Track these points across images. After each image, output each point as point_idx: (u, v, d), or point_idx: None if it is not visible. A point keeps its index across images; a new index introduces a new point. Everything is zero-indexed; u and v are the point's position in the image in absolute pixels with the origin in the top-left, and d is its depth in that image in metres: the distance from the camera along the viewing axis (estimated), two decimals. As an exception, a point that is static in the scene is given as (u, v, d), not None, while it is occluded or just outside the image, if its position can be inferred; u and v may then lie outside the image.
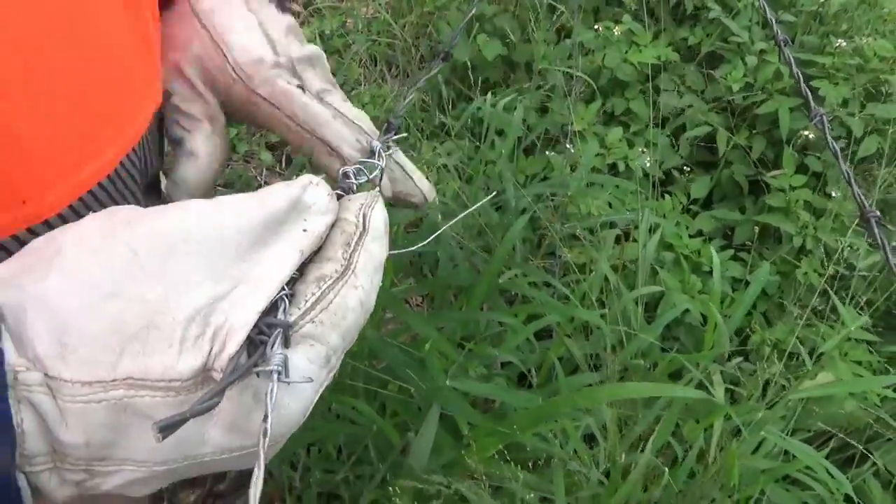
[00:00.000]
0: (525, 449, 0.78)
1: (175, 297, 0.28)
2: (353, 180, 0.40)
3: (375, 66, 2.11)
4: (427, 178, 0.47)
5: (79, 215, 0.36)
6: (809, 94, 0.57)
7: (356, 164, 0.42)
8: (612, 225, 1.29)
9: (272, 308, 0.29)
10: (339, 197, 0.36)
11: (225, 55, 0.44)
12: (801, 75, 0.57)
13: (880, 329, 1.29)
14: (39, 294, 0.27)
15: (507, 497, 0.69)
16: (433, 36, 2.10)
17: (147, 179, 0.45)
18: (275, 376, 0.27)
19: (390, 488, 0.77)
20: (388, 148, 0.46)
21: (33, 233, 0.34)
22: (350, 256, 0.32)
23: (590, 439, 0.98)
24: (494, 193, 1.22)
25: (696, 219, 1.59)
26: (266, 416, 0.27)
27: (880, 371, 1.23)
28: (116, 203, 0.40)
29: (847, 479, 0.95)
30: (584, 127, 1.55)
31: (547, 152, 1.52)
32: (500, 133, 1.45)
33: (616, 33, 1.63)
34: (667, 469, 0.70)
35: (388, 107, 1.94)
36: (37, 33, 0.32)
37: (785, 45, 0.60)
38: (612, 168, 1.56)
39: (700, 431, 0.88)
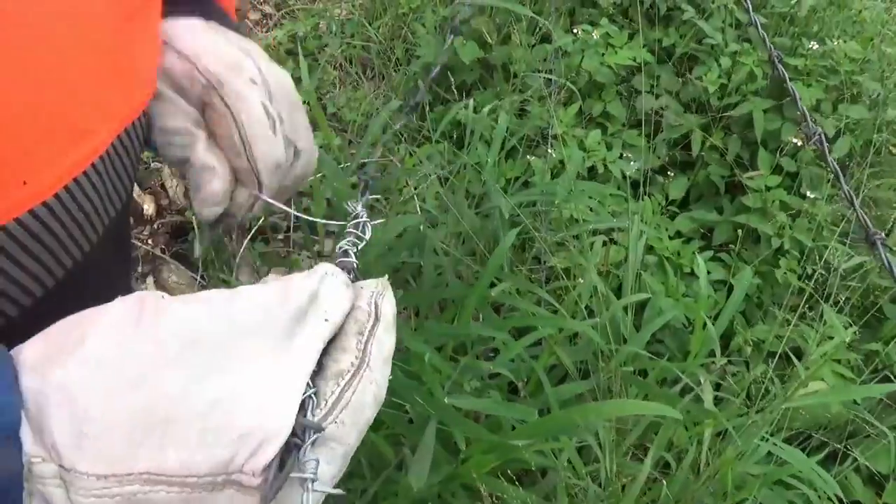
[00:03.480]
0: (521, 462, 0.77)
1: (196, 388, 0.27)
2: (353, 259, 0.40)
3: (351, 67, 2.08)
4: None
5: (74, 198, 0.36)
6: (806, 111, 0.57)
7: (348, 237, 0.42)
8: (595, 231, 1.30)
9: (300, 407, 0.29)
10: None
11: (194, 63, 0.43)
12: (795, 91, 0.58)
13: (858, 327, 1.32)
14: (62, 383, 0.26)
15: (508, 515, 0.69)
16: (408, 38, 2.09)
17: (138, 164, 0.44)
18: (310, 485, 0.27)
19: (387, 501, 0.76)
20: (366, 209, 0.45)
21: (35, 215, 0.34)
22: (364, 347, 0.32)
23: (581, 448, 0.98)
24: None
25: (674, 220, 1.61)
26: None
27: (858, 368, 1.26)
28: (111, 182, 0.39)
29: (831, 476, 0.97)
30: (564, 130, 1.55)
31: (528, 157, 1.52)
32: (481, 138, 1.45)
33: (594, 36, 1.63)
34: (665, 483, 0.71)
35: (364, 110, 1.92)
36: (30, 18, 0.32)
37: (780, 62, 0.60)
38: (592, 170, 1.57)
39: (693, 438, 0.89)
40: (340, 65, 2.09)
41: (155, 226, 1.82)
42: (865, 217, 0.50)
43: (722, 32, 1.70)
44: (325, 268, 0.33)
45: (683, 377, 0.89)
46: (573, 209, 1.27)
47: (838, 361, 1.22)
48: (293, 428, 0.28)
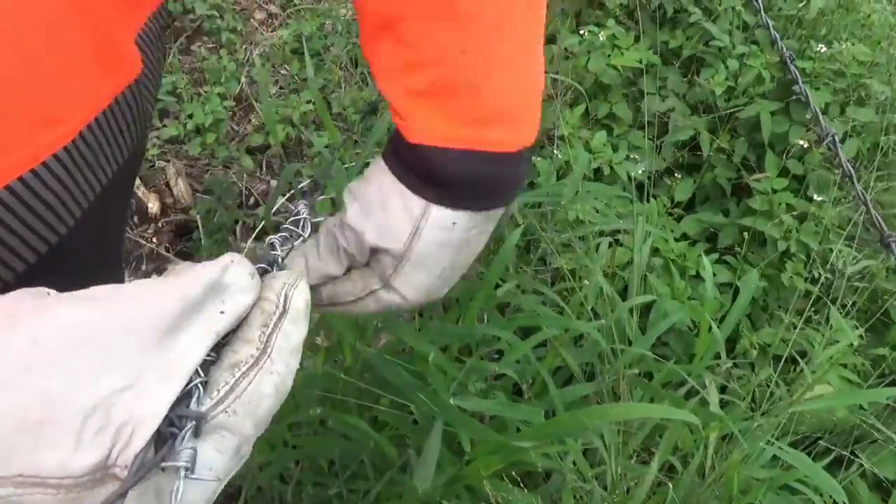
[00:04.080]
0: (526, 465, 0.77)
1: (75, 389, 0.26)
2: (279, 251, 0.39)
3: (356, 68, 2.08)
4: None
5: (40, 181, 0.36)
6: (819, 112, 0.56)
7: (282, 232, 0.41)
8: (601, 232, 1.29)
9: (185, 396, 0.28)
10: (264, 271, 0.36)
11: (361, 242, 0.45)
12: (807, 92, 0.57)
13: (865, 332, 1.31)
14: None
15: (512, 517, 0.68)
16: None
17: (124, 156, 0.44)
18: (182, 472, 0.26)
19: (391, 502, 0.76)
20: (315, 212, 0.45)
21: (25, 183, 0.34)
22: (267, 339, 0.31)
23: (586, 450, 0.98)
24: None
25: (680, 222, 1.60)
26: None
27: (865, 373, 1.25)
28: (80, 171, 0.39)
29: (837, 481, 0.96)
30: (570, 131, 1.55)
31: (533, 157, 1.51)
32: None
33: (601, 38, 1.63)
34: (671, 486, 0.70)
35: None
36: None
37: (792, 62, 0.59)
38: (597, 172, 1.57)
39: (699, 441, 0.89)
40: (346, 65, 2.09)
41: (159, 224, 1.82)
42: (880, 218, 0.49)
43: (729, 35, 1.70)
44: (230, 257, 0.32)
45: (689, 380, 0.89)
46: (579, 210, 1.27)
47: (844, 366, 1.21)
48: (172, 418, 0.27)
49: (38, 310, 0.28)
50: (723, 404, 1.10)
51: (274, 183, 1.94)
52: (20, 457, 0.25)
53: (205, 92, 2.07)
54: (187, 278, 0.30)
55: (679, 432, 0.78)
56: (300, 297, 0.33)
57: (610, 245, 1.31)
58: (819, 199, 1.44)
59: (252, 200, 1.88)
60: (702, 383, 0.99)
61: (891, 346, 1.26)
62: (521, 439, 0.66)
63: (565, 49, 1.65)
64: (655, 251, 1.42)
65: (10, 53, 0.33)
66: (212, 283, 0.30)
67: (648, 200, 1.52)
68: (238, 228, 1.80)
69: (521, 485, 0.77)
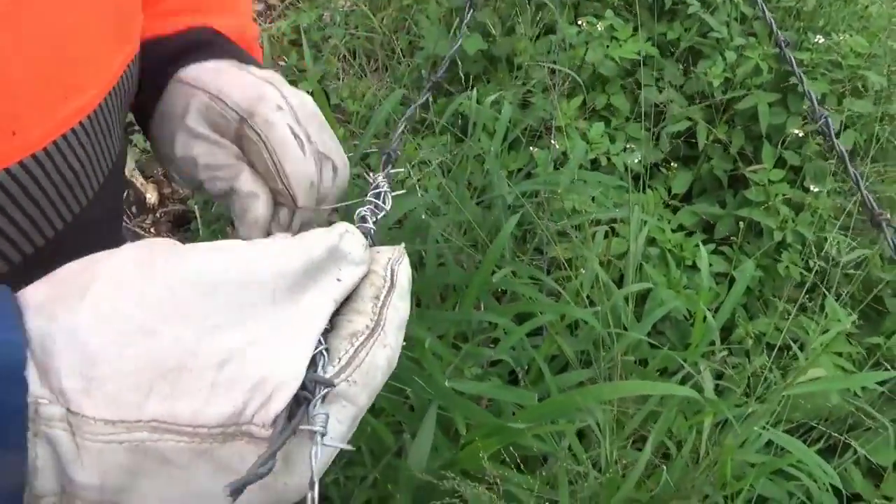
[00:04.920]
0: (522, 448, 0.78)
1: (209, 339, 0.27)
2: (371, 225, 0.40)
3: (354, 59, 2.08)
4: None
5: (62, 153, 0.37)
6: (813, 96, 0.57)
7: (368, 204, 0.42)
8: (597, 221, 1.30)
9: (311, 361, 0.29)
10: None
11: (224, 101, 0.45)
12: (801, 74, 0.57)
13: (859, 321, 1.32)
14: (70, 325, 0.26)
15: (508, 499, 0.69)
16: (412, 29, 2.08)
17: (124, 126, 0.46)
18: (318, 438, 0.27)
19: (388, 486, 0.77)
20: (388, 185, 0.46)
21: (25, 168, 0.35)
22: (379, 312, 0.32)
23: (581, 436, 0.98)
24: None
25: (677, 213, 1.61)
26: (312, 482, 0.26)
27: (860, 361, 1.26)
28: (99, 142, 0.40)
29: (831, 467, 0.97)
30: (567, 122, 1.55)
31: (531, 148, 1.52)
32: (484, 129, 1.45)
33: (599, 29, 1.63)
34: (665, 468, 0.71)
35: (368, 102, 1.91)
36: None
37: (786, 46, 0.60)
38: (594, 163, 1.57)
39: (691, 427, 0.89)
40: (344, 56, 2.09)
41: (157, 214, 1.83)
42: (871, 198, 0.50)
43: (727, 26, 1.70)
44: (344, 226, 0.33)
45: (685, 365, 0.90)
46: (576, 200, 1.27)
47: (840, 355, 1.22)
48: (304, 382, 0.28)
49: (171, 257, 0.28)
50: (718, 392, 1.11)
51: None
52: (157, 402, 0.26)
53: (203, 83, 2.07)
54: (309, 240, 0.31)
55: (673, 416, 0.79)
56: (404, 273, 0.34)
57: (606, 235, 1.31)
58: (815, 189, 1.45)
59: (250, 191, 1.88)
60: (697, 370, 1.00)
61: (885, 334, 1.27)
62: (516, 421, 0.67)
63: (563, 40, 1.65)
64: (652, 241, 1.42)
65: (55, 21, 0.35)
66: (331, 247, 0.31)
67: (645, 191, 1.52)
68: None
69: (518, 469, 0.77)
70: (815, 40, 1.52)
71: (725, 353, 1.19)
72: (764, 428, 0.91)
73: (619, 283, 1.25)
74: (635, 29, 1.72)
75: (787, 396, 0.90)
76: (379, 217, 0.42)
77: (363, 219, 0.40)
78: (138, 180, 1.86)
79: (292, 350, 0.28)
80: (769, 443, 1.00)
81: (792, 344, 1.05)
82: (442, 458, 0.79)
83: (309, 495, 0.27)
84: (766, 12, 0.63)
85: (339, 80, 2.05)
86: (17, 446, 0.25)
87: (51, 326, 0.26)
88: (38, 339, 0.25)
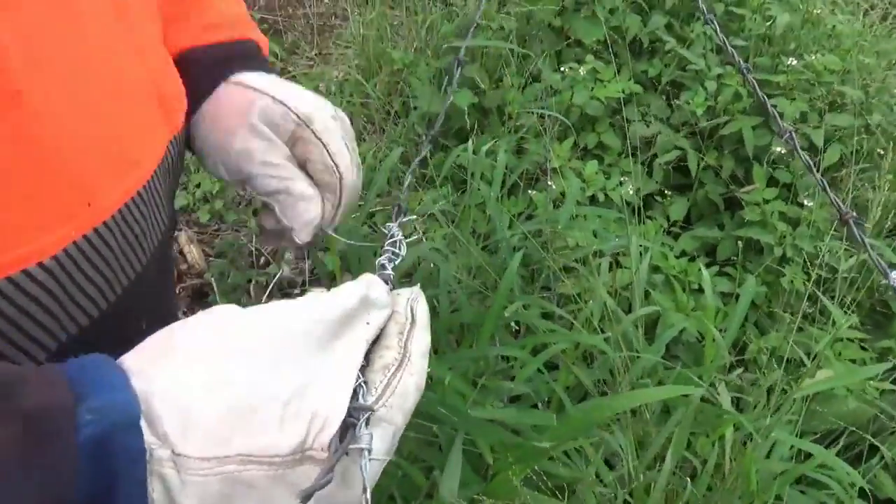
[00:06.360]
0: (550, 476, 0.80)
1: (274, 383, 0.33)
2: (390, 271, 0.47)
3: (352, 125, 2.16)
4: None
5: (125, 220, 0.42)
6: (776, 113, 0.62)
7: (386, 252, 0.49)
8: (600, 254, 1.34)
9: (352, 393, 0.35)
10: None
11: (286, 105, 0.52)
12: (765, 98, 0.63)
13: (868, 327, 1.34)
14: (166, 382, 0.32)
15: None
16: (405, 91, 2.18)
17: (173, 193, 0.52)
18: (366, 454, 0.33)
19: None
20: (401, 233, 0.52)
21: (99, 234, 0.40)
22: (405, 345, 0.38)
23: (609, 465, 1.00)
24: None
25: (678, 240, 1.65)
26: (365, 488, 0.33)
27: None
28: (153, 207, 0.46)
29: (859, 473, 0.97)
30: (561, 163, 1.61)
31: (529, 191, 1.57)
32: (482, 177, 1.51)
33: (581, 72, 1.71)
34: (689, 480, 0.73)
35: (369, 164, 1.99)
36: (77, 66, 0.38)
37: (748, 73, 0.65)
38: (592, 199, 1.62)
39: (712, 444, 0.91)
40: (342, 122, 2.17)
41: (177, 290, 1.88)
42: (838, 200, 0.54)
43: (704, 58, 1.77)
44: (369, 277, 0.39)
45: (700, 382, 0.92)
46: (578, 237, 1.32)
47: (853, 361, 1.24)
48: (350, 410, 0.34)
49: (238, 319, 0.35)
50: (739, 410, 1.13)
51: (282, 241, 2.01)
52: (240, 439, 0.31)
53: (210, 161, 2.15)
54: (343, 294, 0.38)
55: (690, 419, 0.81)
56: (422, 310, 0.41)
57: (611, 267, 1.35)
58: (809, 204, 1.49)
59: (263, 260, 1.94)
60: (714, 388, 1.02)
61: (895, 337, 1.28)
62: (540, 442, 0.69)
63: (549, 87, 1.73)
64: (657, 269, 1.46)
65: (112, 109, 0.41)
66: (363, 297, 0.38)
67: (643, 221, 1.57)
68: (252, 287, 1.86)
69: (547, 497, 0.79)
70: (789, 62, 1.59)
71: (741, 370, 1.21)
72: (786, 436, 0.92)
73: (628, 312, 1.29)
74: (617, 70, 1.80)
75: (805, 403, 0.92)
76: (397, 262, 0.48)
77: (383, 266, 0.47)
78: (155, 259, 1.92)
79: (337, 386, 0.34)
80: (792, 458, 1.01)
81: (804, 357, 1.07)
82: (472, 491, 0.81)
83: (362, 501, 0.33)
84: (727, 44, 0.69)
85: (339, 145, 2.13)
86: (140, 481, 0.30)
87: (151, 387, 0.31)
88: (143, 396, 0.31)
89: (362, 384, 0.35)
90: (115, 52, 0.42)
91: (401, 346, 0.38)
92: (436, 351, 1.29)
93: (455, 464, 0.70)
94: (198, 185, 2.06)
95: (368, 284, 0.39)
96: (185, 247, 1.96)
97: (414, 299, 0.41)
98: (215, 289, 1.82)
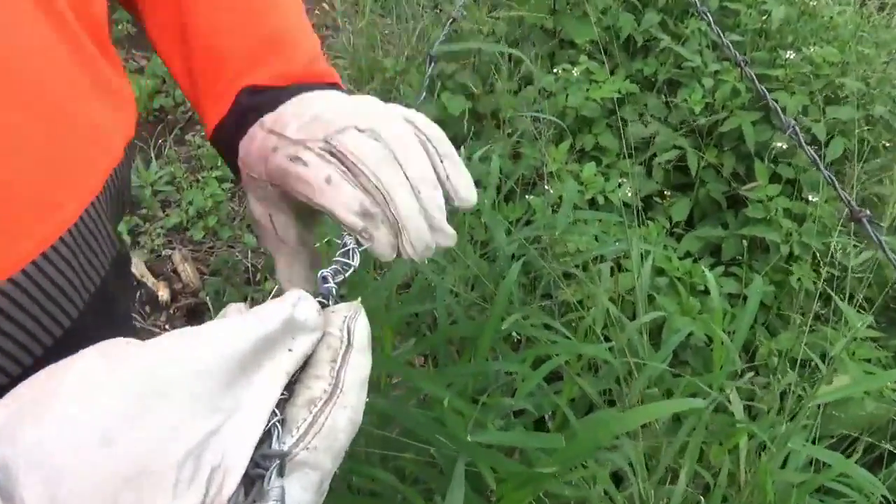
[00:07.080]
0: (556, 498, 0.76)
1: (168, 439, 0.27)
2: (332, 283, 0.39)
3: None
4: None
5: (45, 272, 0.37)
6: (778, 108, 0.58)
7: (333, 265, 0.41)
8: (602, 259, 1.30)
9: (266, 435, 0.29)
10: (322, 305, 0.36)
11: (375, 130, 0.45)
12: (765, 91, 0.59)
13: (883, 324, 1.29)
14: (33, 445, 0.25)
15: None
16: (398, 99, 2.15)
17: (115, 231, 0.47)
18: None
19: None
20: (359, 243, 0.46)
21: (39, 267, 0.37)
22: (337, 374, 0.32)
23: (616, 479, 0.96)
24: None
25: (681, 241, 1.61)
26: None
27: (889, 366, 1.23)
28: (82, 257, 0.41)
29: (879, 480, 0.93)
30: (558, 167, 1.57)
31: (526, 196, 1.54)
32: (478, 184, 1.47)
33: (575, 74, 1.68)
34: (702, 497, 0.69)
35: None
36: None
37: (746, 65, 0.62)
38: (592, 203, 1.58)
39: (725, 454, 0.87)
40: (335, 133, 2.15)
41: (171, 311, 1.84)
42: (848, 196, 0.50)
43: (700, 55, 1.74)
44: (296, 294, 0.33)
45: (706, 388, 0.88)
46: (578, 241, 1.28)
47: (868, 361, 1.20)
48: (257, 459, 0.28)
49: (125, 360, 0.28)
50: (752, 416, 1.09)
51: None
52: None
53: (202, 178, 2.12)
54: (262, 315, 0.31)
55: (702, 432, 0.77)
56: (362, 329, 0.34)
57: (612, 272, 1.31)
58: (814, 199, 1.45)
59: (258, 276, 1.90)
60: (725, 396, 0.98)
61: (910, 334, 1.24)
62: (544, 467, 0.65)
63: (542, 89, 1.70)
64: (661, 272, 1.42)
65: (36, 134, 0.36)
66: (287, 319, 0.31)
67: (644, 223, 1.53)
68: (248, 304, 1.82)
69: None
70: (787, 56, 1.56)
71: (752, 374, 1.16)
72: (802, 444, 0.88)
73: (632, 318, 1.25)
74: (612, 70, 1.77)
75: (821, 409, 0.87)
76: (347, 275, 0.42)
77: (324, 279, 0.40)
78: (149, 279, 1.88)
79: (241, 432, 0.28)
80: (810, 463, 0.97)
81: (816, 359, 1.03)
82: (476, 518, 0.77)
83: None
84: (723, 38, 0.65)
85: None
86: None
87: (14, 450, 0.25)
88: (2, 463, 0.25)
89: (276, 424, 0.30)
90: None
91: (332, 375, 0.32)
92: (435, 364, 1.25)
93: (457, 489, 0.66)
94: (190, 202, 2.03)
95: (295, 303, 0.32)
96: (179, 266, 1.93)
97: (352, 317, 0.34)
98: (211, 307, 1.78)
